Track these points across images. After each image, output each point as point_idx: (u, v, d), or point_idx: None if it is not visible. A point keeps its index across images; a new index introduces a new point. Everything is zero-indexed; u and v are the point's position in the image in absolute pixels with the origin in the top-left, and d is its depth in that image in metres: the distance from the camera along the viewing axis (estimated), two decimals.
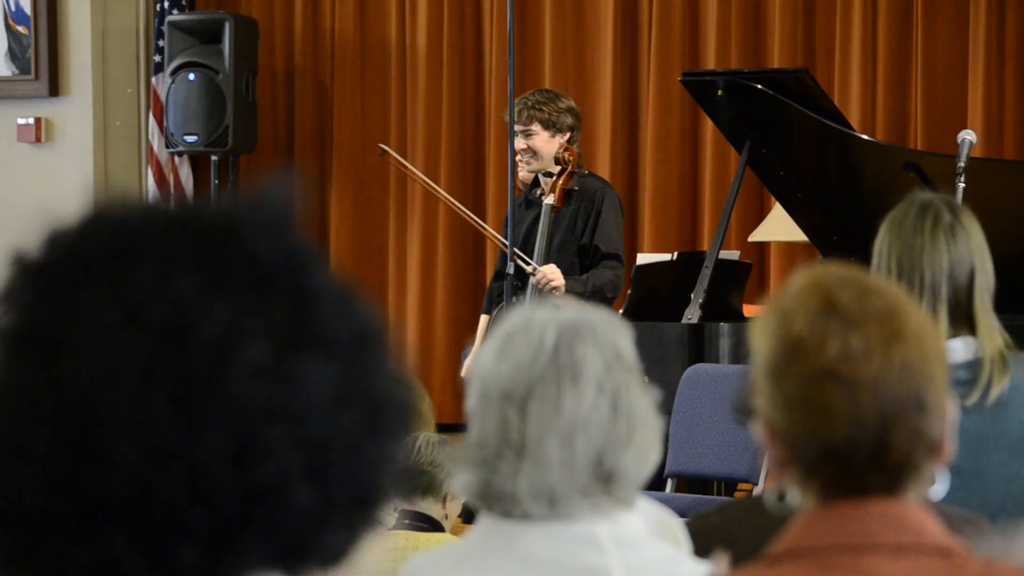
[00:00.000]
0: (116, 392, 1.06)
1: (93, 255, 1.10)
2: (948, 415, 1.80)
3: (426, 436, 4.09)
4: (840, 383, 1.75)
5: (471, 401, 2.21)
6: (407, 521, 4.05)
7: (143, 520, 1.07)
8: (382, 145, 7.38)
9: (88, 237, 1.12)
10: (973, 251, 3.27)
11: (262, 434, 1.07)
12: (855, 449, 1.76)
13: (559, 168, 6.58)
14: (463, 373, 6.26)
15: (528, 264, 6.44)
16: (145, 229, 1.11)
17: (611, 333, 2.21)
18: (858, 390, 1.75)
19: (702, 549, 2.37)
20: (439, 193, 7.19)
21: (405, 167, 7.23)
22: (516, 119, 6.53)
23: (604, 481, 2.16)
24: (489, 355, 2.20)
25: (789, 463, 1.79)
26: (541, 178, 6.71)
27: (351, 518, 1.12)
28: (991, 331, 3.22)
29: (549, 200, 6.52)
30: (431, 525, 4.02)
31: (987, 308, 3.25)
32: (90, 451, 1.06)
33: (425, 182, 7.13)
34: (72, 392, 1.07)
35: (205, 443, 1.06)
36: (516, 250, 6.48)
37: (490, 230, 6.61)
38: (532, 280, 6.40)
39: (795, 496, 1.80)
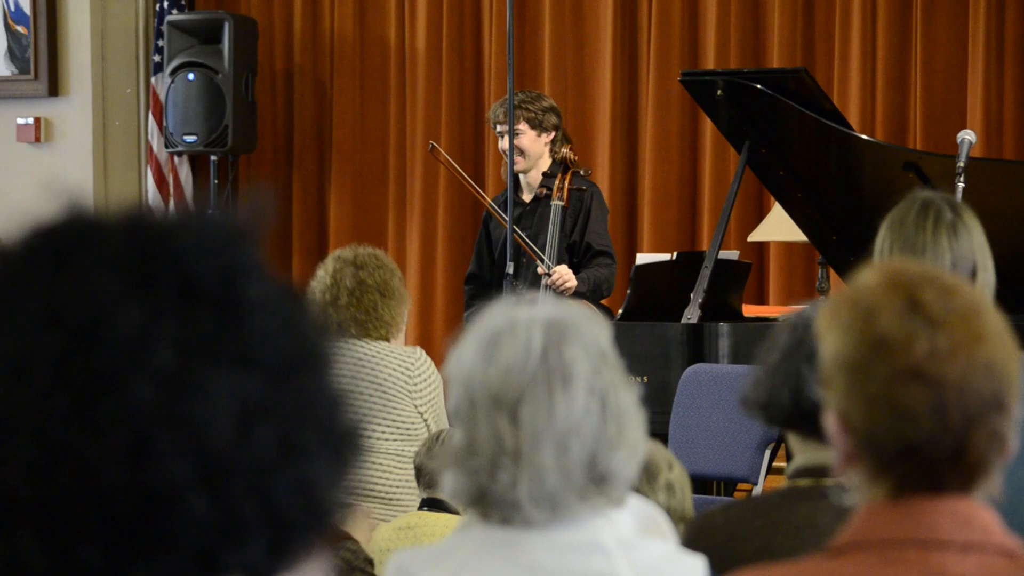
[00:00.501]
0: (23, 386, 1.09)
1: (32, 256, 1.13)
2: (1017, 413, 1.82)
3: (451, 431, 4.12)
4: (926, 383, 1.75)
5: (455, 403, 2.18)
6: (425, 508, 4.07)
7: (43, 515, 1.08)
8: (433, 142, 7.41)
9: (33, 241, 1.14)
10: (975, 249, 3.27)
11: (157, 438, 1.08)
12: (936, 449, 1.76)
13: (563, 168, 6.64)
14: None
15: (542, 263, 6.50)
16: (86, 234, 1.13)
17: (594, 331, 2.20)
18: (944, 390, 1.75)
19: (705, 548, 2.37)
20: (482, 197, 7.16)
21: (452, 166, 7.22)
22: (501, 119, 6.58)
23: (598, 482, 2.16)
24: (473, 356, 2.17)
25: (859, 457, 1.79)
26: (522, 178, 6.75)
27: (270, 537, 1.12)
28: None
29: (558, 201, 6.59)
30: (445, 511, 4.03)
31: None
32: None
33: (471, 184, 7.12)
34: None
35: (100, 442, 1.08)
36: (536, 248, 6.52)
37: (527, 240, 6.62)
38: (546, 280, 6.46)
39: (861, 490, 1.80)
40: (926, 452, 1.75)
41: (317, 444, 1.13)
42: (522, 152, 6.65)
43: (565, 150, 6.70)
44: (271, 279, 1.14)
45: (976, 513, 1.78)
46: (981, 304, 1.80)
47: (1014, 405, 1.78)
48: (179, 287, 1.11)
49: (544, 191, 6.72)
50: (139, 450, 1.08)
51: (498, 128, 6.71)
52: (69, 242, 1.13)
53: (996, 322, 1.80)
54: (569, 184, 6.63)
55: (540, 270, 6.49)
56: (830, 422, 1.79)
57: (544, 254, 6.54)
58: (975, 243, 3.27)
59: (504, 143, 6.63)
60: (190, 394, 1.09)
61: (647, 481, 3.20)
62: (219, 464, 1.09)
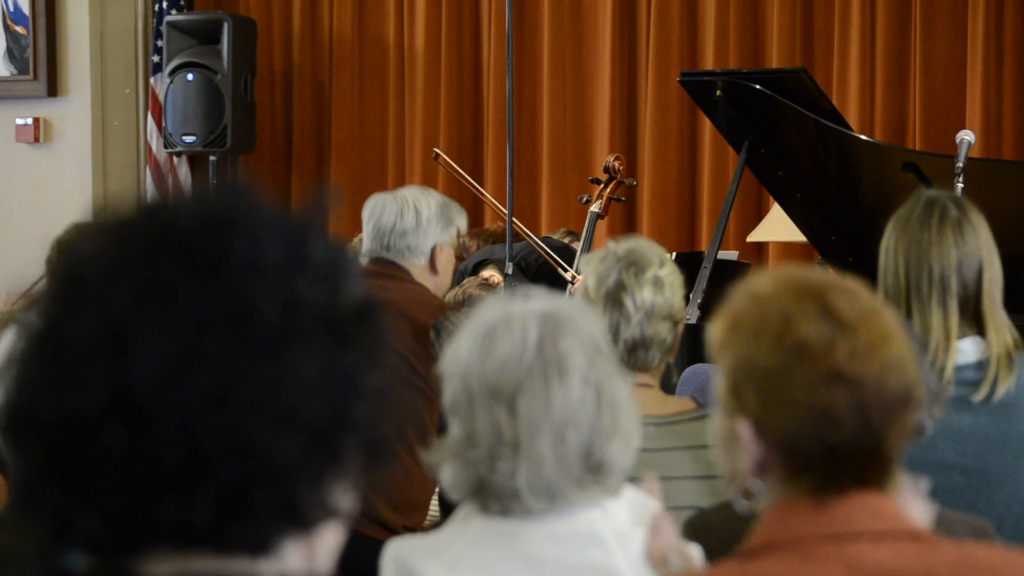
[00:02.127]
0: (33, 321, 1.17)
1: (93, 231, 1.19)
2: None
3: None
4: (847, 384, 1.78)
5: (450, 397, 2.21)
6: None
7: (8, 440, 1.16)
8: (436, 150, 7.41)
9: (112, 218, 1.20)
10: (981, 246, 3.26)
11: (79, 370, 1.13)
12: (857, 447, 1.79)
13: (607, 177, 6.62)
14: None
15: (567, 271, 6.48)
16: (156, 216, 1.20)
17: (587, 323, 2.23)
18: (864, 390, 1.78)
19: (703, 547, 2.38)
20: (488, 199, 7.17)
21: (459, 173, 7.22)
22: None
23: (594, 471, 2.19)
24: (469, 350, 2.20)
25: (772, 463, 1.81)
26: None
27: (215, 496, 1.13)
28: (1000, 327, 3.21)
29: (595, 208, 6.57)
30: None
31: (996, 304, 3.24)
32: None
33: (476, 188, 7.12)
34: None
35: (44, 370, 1.14)
36: (556, 256, 6.51)
37: (545, 248, 6.61)
38: (571, 288, 6.44)
39: (764, 497, 1.82)
40: (848, 452, 1.79)
41: (271, 414, 1.14)
42: None
43: (610, 159, 6.68)
44: (291, 253, 1.16)
45: (884, 503, 1.81)
46: (879, 306, 1.84)
47: (919, 399, 1.84)
48: (175, 246, 1.15)
49: None
50: (65, 378, 1.13)
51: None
52: (140, 223, 1.18)
53: (896, 320, 1.85)
54: (611, 194, 6.62)
55: (567, 276, 6.49)
56: (741, 430, 1.80)
57: (575, 260, 6.52)
58: (981, 240, 3.26)
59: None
60: (130, 331, 1.12)
61: (634, 274, 3.20)
62: (139, 400, 1.12)
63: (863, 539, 1.78)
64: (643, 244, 3.28)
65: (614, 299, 3.18)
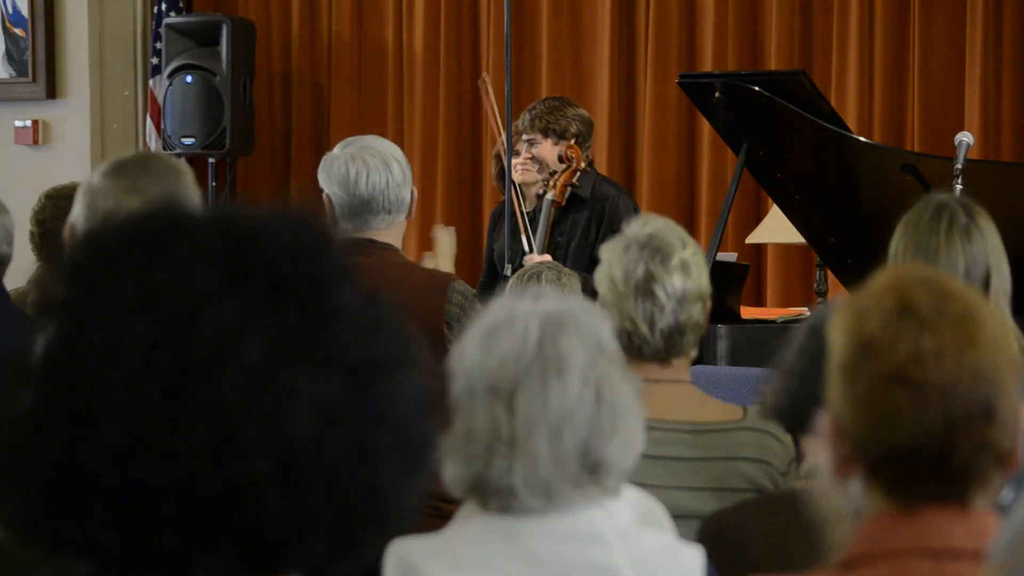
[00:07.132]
0: (115, 370, 1.10)
1: (129, 243, 1.15)
2: (1019, 425, 1.77)
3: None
4: (907, 386, 1.74)
5: (455, 393, 2.23)
6: None
7: (123, 500, 1.10)
8: (484, 74, 7.29)
9: (130, 228, 1.16)
10: (989, 252, 3.26)
11: (242, 432, 1.10)
12: (918, 454, 1.74)
13: (563, 165, 6.58)
14: None
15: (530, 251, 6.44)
16: (180, 226, 1.15)
17: (592, 323, 2.24)
18: (925, 394, 1.73)
19: (718, 546, 2.38)
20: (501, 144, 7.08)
21: (493, 106, 7.09)
22: (526, 127, 6.52)
23: (592, 471, 2.20)
24: (473, 347, 2.22)
25: (853, 462, 1.78)
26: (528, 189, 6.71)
27: (333, 535, 1.14)
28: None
29: (550, 195, 6.53)
30: None
31: (1003, 311, 3.23)
32: (83, 425, 1.11)
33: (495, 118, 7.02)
34: (80, 365, 1.12)
35: (186, 433, 1.10)
36: (531, 235, 6.48)
37: (527, 224, 6.56)
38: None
39: (856, 496, 1.79)
40: (908, 457, 1.74)
41: (390, 448, 1.14)
42: (539, 163, 6.58)
43: (562, 145, 6.59)
44: (356, 284, 1.16)
45: (988, 521, 1.75)
46: (979, 311, 1.78)
47: (1010, 415, 1.75)
48: (267, 286, 1.13)
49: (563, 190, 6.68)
50: (224, 443, 1.10)
51: (523, 137, 6.61)
52: (162, 233, 1.14)
53: (994, 330, 1.78)
54: (564, 180, 6.57)
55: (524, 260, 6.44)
56: (822, 422, 1.79)
57: (534, 247, 6.47)
58: (989, 247, 3.26)
59: (524, 151, 6.56)
60: (276, 392, 1.10)
61: (660, 262, 3.20)
62: (298, 463, 1.11)
63: (963, 558, 1.72)
64: (662, 227, 3.27)
65: (645, 290, 3.19)
